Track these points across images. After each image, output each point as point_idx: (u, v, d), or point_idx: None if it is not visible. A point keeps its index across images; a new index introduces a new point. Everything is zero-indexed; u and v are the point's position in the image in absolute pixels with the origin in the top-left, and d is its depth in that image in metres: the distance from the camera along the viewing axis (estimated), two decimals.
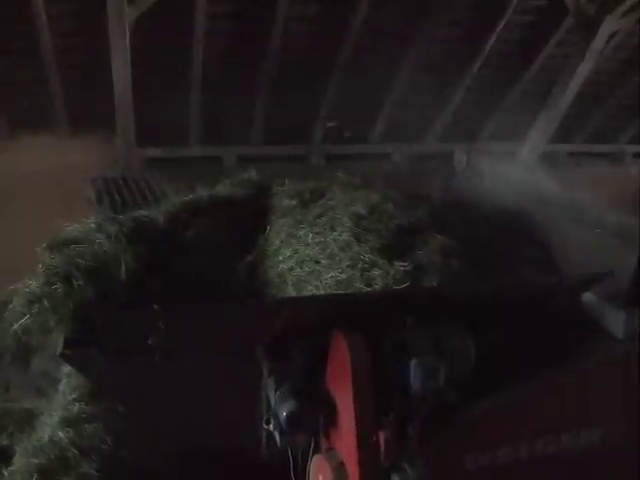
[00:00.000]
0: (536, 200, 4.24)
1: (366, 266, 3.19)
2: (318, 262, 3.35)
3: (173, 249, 3.39)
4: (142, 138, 7.58)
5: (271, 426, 2.56)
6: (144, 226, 3.43)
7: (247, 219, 3.92)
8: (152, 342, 2.46)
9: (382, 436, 2.45)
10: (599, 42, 7.76)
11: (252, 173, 4.46)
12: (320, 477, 2.60)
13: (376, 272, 3.15)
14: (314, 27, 7.61)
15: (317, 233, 3.49)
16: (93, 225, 3.35)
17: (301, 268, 3.39)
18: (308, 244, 3.46)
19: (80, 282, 2.78)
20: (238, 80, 7.84)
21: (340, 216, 3.52)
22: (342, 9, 7.40)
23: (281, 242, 3.60)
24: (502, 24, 7.86)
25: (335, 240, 3.37)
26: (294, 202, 3.91)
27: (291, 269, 3.43)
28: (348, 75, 7.95)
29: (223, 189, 4.27)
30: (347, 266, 3.23)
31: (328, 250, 3.35)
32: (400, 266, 3.15)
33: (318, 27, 7.60)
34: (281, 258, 3.53)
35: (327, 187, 4.02)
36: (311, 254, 3.41)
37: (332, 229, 3.46)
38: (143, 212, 3.71)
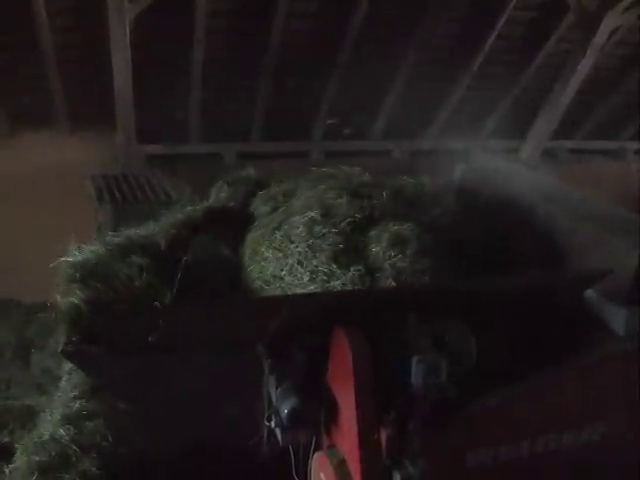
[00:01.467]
0: (537, 196, 4.23)
1: (325, 278, 3.19)
2: (282, 279, 3.33)
3: (175, 270, 3.33)
4: (142, 135, 7.55)
5: (272, 423, 2.56)
6: (149, 251, 3.36)
7: (241, 229, 3.86)
8: (152, 340, 2.46)
9: (383, 433, 2.45)
10: (600, 38, 7.72)
11: (250, 171, 4.44)
12: (321, 474, 2.60)
13: (335, 282, 3.15)
14: (314, 24, 7.59)
15: (276, 248, 3.44)
16: (104, 250, 3.21)
17: (268, 286, 3.36)
18: (270, 261, 3.42)
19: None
20: (238, 77, 7.83)
21: (297, 225, 3.47)
22: (343, 6, 7.38)
23: (249, 259, 3.57)
24: (503, 20, 7.84)
25: (292, 254, 3.34)
26: (268, 208, 3.89)
27: (261, 287, 3.40)
28: (348, 72, 7.93)
29: (218, 196, 4.24)
30: (308, 280, 3.22)
31: (288, 266, 3.32)
32: (355, 270, 3.16)
33: (318, 24, 7.58)
34: (251, 276, 3.49)
35: (298, 187, 3.97)
36: (273, 271, 3.38)
37: (290, 241, 3.42)
38: (142, 232, 3.59)
